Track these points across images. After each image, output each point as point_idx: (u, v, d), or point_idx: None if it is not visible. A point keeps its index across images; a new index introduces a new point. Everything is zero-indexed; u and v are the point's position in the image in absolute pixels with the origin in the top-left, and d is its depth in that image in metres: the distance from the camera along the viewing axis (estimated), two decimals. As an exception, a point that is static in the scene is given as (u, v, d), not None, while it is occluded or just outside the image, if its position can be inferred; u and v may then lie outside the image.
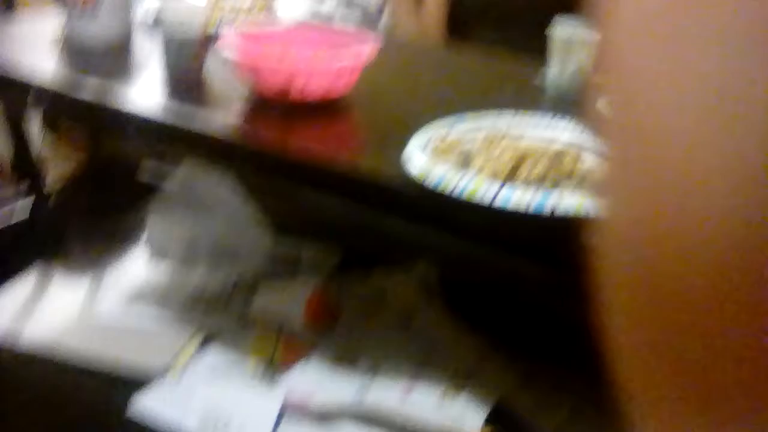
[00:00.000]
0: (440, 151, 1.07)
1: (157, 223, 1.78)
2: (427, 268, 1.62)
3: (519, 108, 1.26)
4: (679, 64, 0.26)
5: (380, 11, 2.42)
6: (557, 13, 1.51)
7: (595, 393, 1.38)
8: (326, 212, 1.57)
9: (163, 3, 1.45)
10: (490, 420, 1.33)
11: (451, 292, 1.59)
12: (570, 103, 1.42)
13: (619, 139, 0.29)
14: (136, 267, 1.76)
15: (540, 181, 1.01)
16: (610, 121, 0.29)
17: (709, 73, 0.26)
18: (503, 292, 1.55)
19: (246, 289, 1.64)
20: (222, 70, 1.38)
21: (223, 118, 1.25)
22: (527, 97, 1.47)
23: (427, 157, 1.05)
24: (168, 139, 1.37)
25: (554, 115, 1.22)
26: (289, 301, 1.56)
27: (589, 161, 1.07)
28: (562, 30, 1.43)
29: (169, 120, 1.26)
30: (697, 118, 0.26)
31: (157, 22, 1.36)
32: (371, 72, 1.34)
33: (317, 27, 1.55)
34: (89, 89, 1.34)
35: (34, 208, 1.87)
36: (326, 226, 1.72)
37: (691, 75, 0.26)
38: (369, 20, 2.41)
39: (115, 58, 1.52)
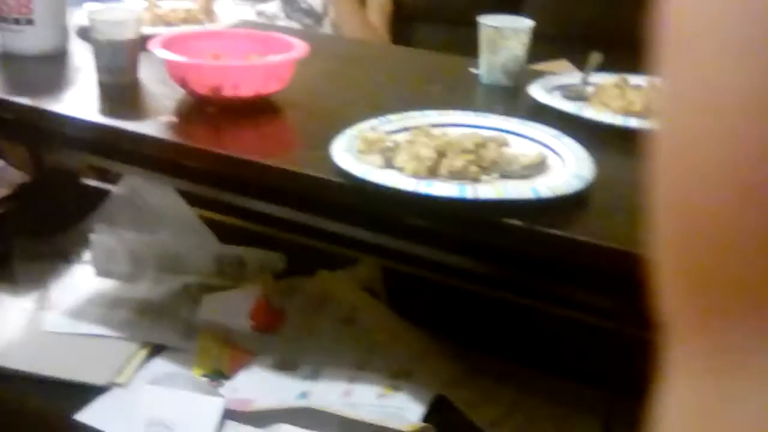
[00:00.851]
0: (366, 148, 1.07)
1: (101, 236, 1.77)
2: (369, 268, 1.63)
3: (452, 102, 1.27)
4: None
5: (325, 11, 2.42)
6: (498, 10, 1.53)
7: (533, 386, 1.40)
8: (269, 217, 1.56)
9: (97, 8, 1.45)
10: (429, 414, 1.34)
11: (393, 290, 1.59)
12: (501, 94, 1.44)
13: (668, 60, 0.31)
14: (82, 280, 1.75)
15: (461, 172, 1.01)
16: (663, 45, 0.32)
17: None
18: (444, 287, 1.56)
19: (192, 298, 1.64)
20: (156, 71, 1.38)
21: (158, 118, 1.24)
22: (462, 87, 1.48)
23: (353, 155, 1.05)
24: (106, 144, 1.36)
25: (482, 107, 1.23)
26: (235, 309, 1.56)
27: (513, 150, 1.08)
28: (491, 23, 1.44)
29: (106, 124, 1.25)
30: (723, 40, 0.29)
31: (91, 26, 1.35)
32: (308, 71, 1.35)
33: (251, 28, 1.55)
34: (27, 99, 1.33)
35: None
36: (270, 231, 1.72)
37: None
38: (314, 20, 2.42)
39: (53, 67, 1.51)
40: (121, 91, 1.36)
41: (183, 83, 1.26)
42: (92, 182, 1.98)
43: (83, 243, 1.81)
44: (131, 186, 1.80)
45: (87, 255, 1.80)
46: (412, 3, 2.59)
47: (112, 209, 1.83)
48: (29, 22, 1.48)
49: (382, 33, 2.45)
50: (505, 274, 1.22)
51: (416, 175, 1.00)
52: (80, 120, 1.25)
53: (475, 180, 1.01)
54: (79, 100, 1.32)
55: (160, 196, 1.76)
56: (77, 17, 1.61)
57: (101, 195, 1.88)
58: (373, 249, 1.53)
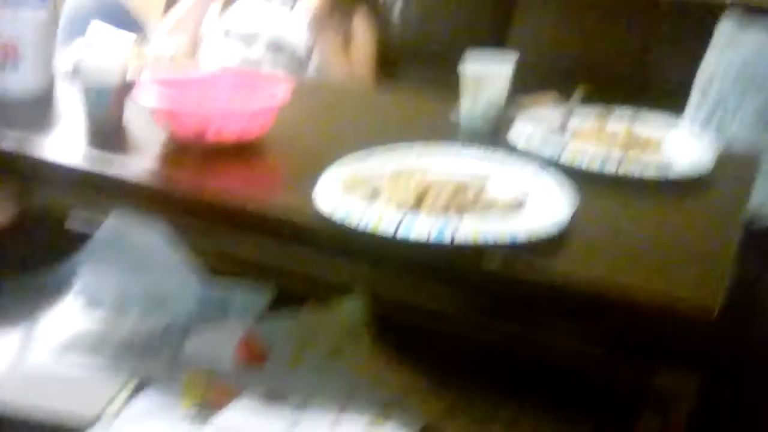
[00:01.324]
0: (349, 187, 1.09)
1: (88, 272, 1.78)
2: (355, 303, 1.64)
3: (433, 144, 1.29)
4: None
5: (309, 54, 2.45)
6: (483, 45, 1.56)
7: (521, 419, 1.41)
8: (255, 253, 1.58)
9: (83, 51, 1.47)
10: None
11: (379, 325, 1.61)
12: (481, 136, 1.47)
13: None
14: (68, 316, 1.75)
15: (443, 211, 1.04)
16: None
17: None
18: (431, 322, 1.57)
19: (177, 333, 1.65)
20: (141, 116, 1.40)
21: (142, 163, 1.26)
22: (442, 132, 1.51)
23: (336, 193, 1.07)
24: (91, 187, 1.38)
25: (463, 148, 1.25)
26: (220, 344, 1.57)
27: (492, 191, 1.10)
28: (472, 66, 1.47)
29: (91, 168, 1.27)
30: None
31: (78, 71, 1.37)
32: (292, 112, 1.37)
33: (234, 72, 1.57)
34: (12, 141, 1.34)
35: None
36: (256, 266, 1.73)
37: None
38: (298, 63, 2.44)
39: (38, 109, 1.53)
40: (106, 133, 1.37)
41: (167, 127, 1.28)
42: (77, 222, 1.99)
43: (69, 280, 1.82)
44: (116, 224, 1.82)
45: (73, 291, 1.81)
46: (396, 43, 2.62)
47: (98, 247, 1.85)
48: (15, 65, 1.50)
49: (366, 74, 2.48)
50: (486, 312, 1.24)
51: (396, 217, 1.03)
52: (66, 162, 1.27)
53: (456, 220, 1.03)
54: (66, 142, 1.34)
55: (145, 234, 1.77)
56: (64, 60, 1.63)
57: (87, 234, 1.89)
58: (357, 286, 1.55)
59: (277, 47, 2.44)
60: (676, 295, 0.92)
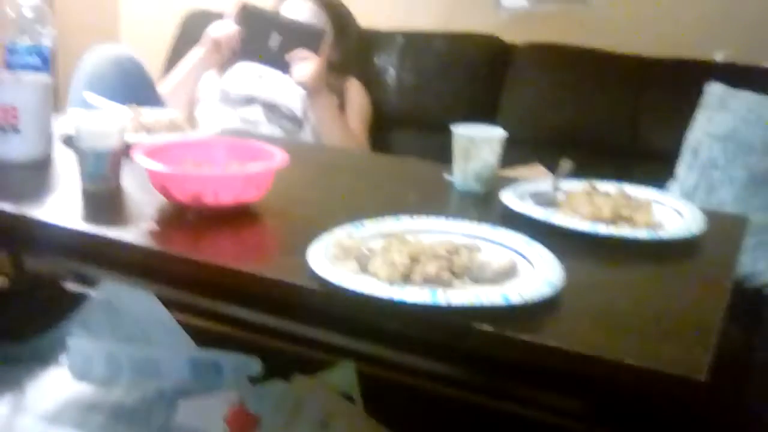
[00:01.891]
0: (341, 255, 1.10)
1: (78, 339, 1.77)
2: (344, 372, 1.64)
3: (427, 209, 1.30)
4: None
5: (305, 116, 2.48)
6: (469, 119, 1.59)
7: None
8: (246, 322, 1.58)
9: (81, 116, 1.48)
10: None
11: (369, 394, 1.60)
12: (474, 200, 1.48)
13: None
14: (58, 384, 1.74)
15: (434, 278, 1.04)
16: None
17: None
18: (419, 391, 1.57)
19: (168, 402, 1.64)
20: (138, 179, 1.41)
21: (138, 226, 1.27)
22: (436, 193, 1.52)
23: (328, 261, 1.08)
24: (86, 251, 1.38)
25: (455, 213, 1.26)
26: (211, 413, 1.56)
27: (485, 255, 1.11)
28: (463, 131, 1.49)
29: (86, 231, 1.27)
30: None
31: (75, 136, 1.38)
32: (287, 177, 1.38)
33: (231, 136, 1.59)
34: (8, 206, 1.35)
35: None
36: (247, 334, 1.73)
37: None
38: (295, 125, 2.47)
39: (36, 173, 1.54)
40: (103, 197, 1.38)
41: (164, 191, 1.29)
42: (71, 286, 1.99)
43: (60, 346, 1.81)
44: (109, 290, 1.82)
45: (64, 359, 1.80)
46: (390, 110, 2.66)
47: (90, 313, 1.84)
48: (15, 130, 1.52)
49: (362, 139, 2.52)
50: (477, 378, 1.23)
51: (390, 281, 1.03)
52: (62, 227, 1.27)
53: (448, 285, 1.04)
54: (62, 207, 1.35)
55: (138, 300, 1.77)
56: (62, 125, 1.65)
57: (79, 299, 1.89)
58: (349, 354, 1.54)
59: (273, 108, 2.47)
60: (665, 361, 0.92)
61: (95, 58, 2.14)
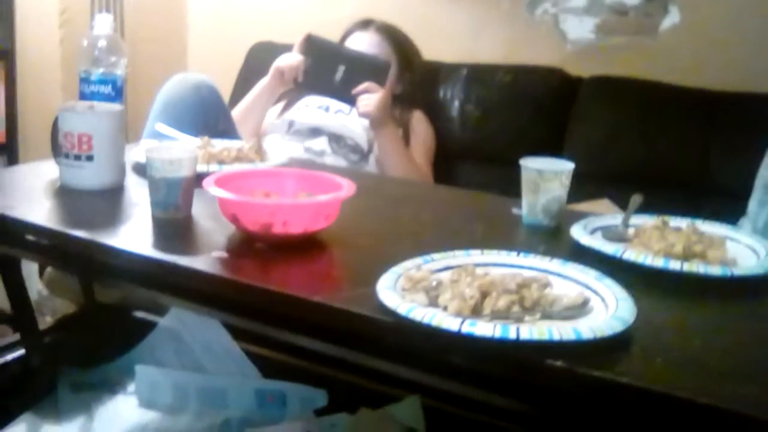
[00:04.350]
0: (410, 287, 1.10)
1: (146, 367, 1.79)
2: (411, 406, 1.62)
3: (495, 242, 1.30)
4: None
5: (370, 148, 2.50)
6: (534, 152, 1.58)
7: None
8: (312, 352, 1.58)
9: (154, 146, 1.51)
10: None
11: (435, 428, 1.58)
12: (542, 234, 1.47)
13: None
14: (125, 411, 1.76)
15: (504, 312, 1.03)
16: None
17: None
18: (486, 427, 1.55)
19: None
20: (208, 208, 1.43)
21: (207, 255, 1.28)
22: (503, 232, 1.51)
23: (397, 293, 1.07)
24: (154, 279, 1.40)
25: (524, 247, 1.25)
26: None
27: (555, 290, 1.10)
28: (532, 164, 1.48)
29: (156, 260, 1.29)
30: None
31: (148, 165, 1.41)
32: (354, 208, 1.39)
33: (300, 167, 1.60)
34: (80, 234, 1.37)
35: (27, 357, 1.88)
36: (314, 365, 1.73)
37: None
38: (359, 156, 2.49)
39: (108, 201, 1.57)
40: (174, 226, 1.40)
41: (234, 220, 1.31)
42: (139, 314, 2.02)
43: (128, 374, 1.83)
44: (177, 318, 1.84)
45: (131, 386, 1.82)
46: (454, 142, 2.66)
47: (158, 341, 1.87)
48: (89, 158, 1.55)
49: (426, 171, 2.52)
50: (547, 414, 1.21)
51: (459, 314, 1.02)
52: (133, 254, 1.29)
53: (518, 320, 1.03)
54: (133, 234, 1.37)
55: (205, 328, 1.79)
56: (134, 154, 1.68)
57: (148, 326, 1.91)
58: (415, 387, 1.53)
59: (339, 140, 2.49)
60: (742, 401, 0.89)
61: (175, 85, 2.19)
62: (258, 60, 2.92)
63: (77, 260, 1.47)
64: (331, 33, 2.62)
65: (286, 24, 3.18)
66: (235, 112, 2.48)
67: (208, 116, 2.14)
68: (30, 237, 1.46)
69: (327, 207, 1.33)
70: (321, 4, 3.19)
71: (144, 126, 2.17)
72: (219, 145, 1.76)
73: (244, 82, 2.89)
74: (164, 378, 1.77)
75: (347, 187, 1.35)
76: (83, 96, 1.71)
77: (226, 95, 2.89)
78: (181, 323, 1.82)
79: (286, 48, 2.57)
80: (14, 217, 1.43)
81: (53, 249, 1.46)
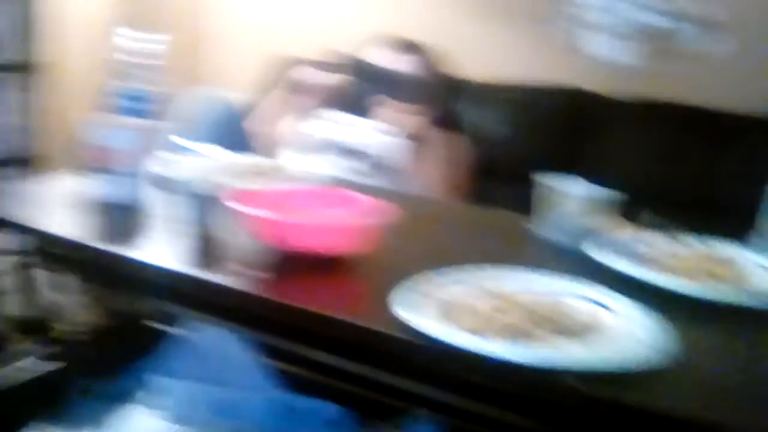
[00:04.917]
0: (423, 302, 1.10)
1: (159, 378, 1.80)
2: (425, 422, 1.62)
3: (509, 258, 1.30)
4: None
5: (406, 167, 2.48)
6: (551, 170, 1.59)
7: None
8: (327, 367, 1.58)
9: (175, 159, 1.52)
10: None
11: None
12: (557, 251, 1.47)
13: None
14: (137, 422, 1.77)
15: (517, 329, 1.04)
16: None
17: None
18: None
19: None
20: (229, 224, 1.43)
21: (227, 270, 1.29)
22: (518, 248, 1.52)
23: (411, 308, 1.08)
24: (174, 293, 1.41)
25: (539, 264, 1.26)
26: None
27: (569, 308, 1.10)
28: (548, 182, 1.49)
29: (179, 273, 1.30)
30: None
31: (170, 179, 1.42)
32: (391, 226, 1.38)
33: (326, 186, 1.60)
34: (104, 246, 1.39)
35: (39, 365, 1.89)
36: (327, 381, 1.73)
37: None
38: (396, 176, 2.47)
39: (130, 214, 1.57)
40: (195, 239, 1.41)
41: (258, 235, 1.30)
42: (151, 323, 2.02)
43: (142, 384, 1.84)
44: (191, 329, 1.84)
45: (144, 397, 1.82)
46: (481, 159, 2.65)
47: (172, 351, 1.87)
48: (114, 171, 1.56)
49: (462, 190, 2.50)
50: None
51: (473, 331, 1.03)
52: (157, 267, 1.31)
53: (531, 337, 1.03)
54: (157, 248, 1.38)
55: (220, 340, 1.79)
56: (157, 167, 1.69)
57: (160, 336, 1.92)
58: (430, 403, 1.53)
59: (371, 158, 2.48)
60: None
61: (192, 101, 2.20)
62: (277, 73, 2.92)
63: (96, 271, 1.49)
64: (354, 48, 2.61)
65: (307, 38, 3.18)
66: (252, 124, 2.48)
67: (227, 134, 2.15)
68: (53, 248, 1.48)
69: (363, 229, 1.32)
70: (341, 18, 3.19)
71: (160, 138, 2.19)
72: (239, 159, 1.76)
73: (260, 96, 2.90)
74: (177, 388, 1.77)
75: (384, 210, 1.34)
76: (112, 110, 1.72)
77: (240, 107, 2.91)
78: (195, 334, 1.82)
79: (306, 62, 2.57)
80: (37, 228, 1.44)
81: (75, 260, 1.48)
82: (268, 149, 2.44)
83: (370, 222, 1.34)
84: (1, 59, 2.97)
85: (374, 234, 1.33)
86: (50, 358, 1.91)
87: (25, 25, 3.00)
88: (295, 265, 1.30)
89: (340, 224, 1.34)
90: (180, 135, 2.04)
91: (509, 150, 2.65)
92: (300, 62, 2.62)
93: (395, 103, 2.42)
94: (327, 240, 1.31)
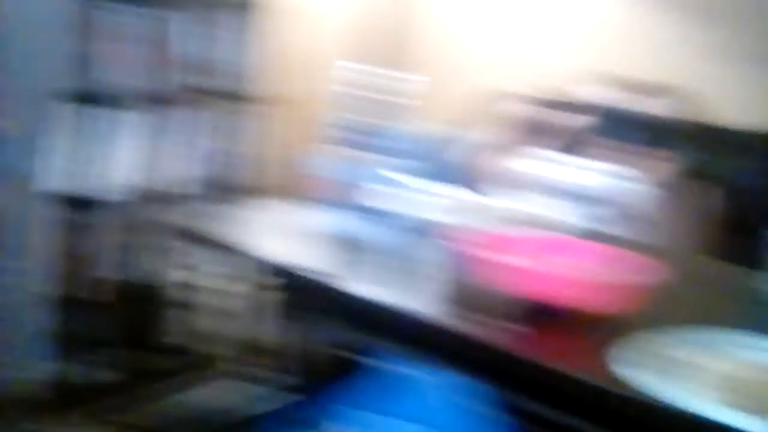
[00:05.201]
0: (655, 365, 1.06)
1: (348, 410, 1.78)
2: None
3: (744, 321, 1.24)
4: None
5: (656, 218, 2.39)
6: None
7: None
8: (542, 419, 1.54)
9: (394, 192, 1.51)
10: None
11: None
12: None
13: None
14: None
15: (760, 401, 0.98)
16: None
17: None
18: None
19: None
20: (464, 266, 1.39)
21: (472, 320, 1.28)
22: (752, 310, 1.43)
23: (646, 371, 1.05)
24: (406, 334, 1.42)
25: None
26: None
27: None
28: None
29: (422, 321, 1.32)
30: None
31: (390, 212, 1.41)
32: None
33: (583, 237, 1.56)
34: (361, 288, 1.40)
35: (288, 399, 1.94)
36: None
37: None
38: (644, 227, 2.38)
39: (358, 251, 1.57)
40: (435, 283, 1.39)
41: (516, 287, 1.25)
42: (344, 353, 2.00)
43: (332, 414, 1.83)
44: (389, 363, 1.82)
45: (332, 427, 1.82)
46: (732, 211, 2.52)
47: (368, 384, 1.86)
48: (336, 204, 1.59)
49: (706, 242, 2.39)
50: None
51: (706, 395, 0.99)
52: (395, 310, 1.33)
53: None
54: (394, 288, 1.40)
55: (427, 379, 1.76)
56: (376, 201, 1.69)
57: (354, 367, 1.90)
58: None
59: (617, 206, 2.40)
60: None
61: (404, 135, 2.22)
62: (485, 106, 2.89)
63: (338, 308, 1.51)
64: (567, 84, 2.56)
65: (513, 71, 3.13)
66: (461, 158, 2.46)
67: (445, 170, 2.13)
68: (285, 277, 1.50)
69: (628, 288, 1.23)
70: (555, 53, 3.12)
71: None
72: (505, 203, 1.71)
73: (468, 129, 2.87)
74: (369, 422, 1.76)
75: (649, 270, 1.26)
76: (337, 142, 1.75)
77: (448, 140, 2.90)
78: (396, 368, 1.81)
79: (518, 96, 2.52)
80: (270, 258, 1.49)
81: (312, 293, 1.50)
82: (478, 185, 2.41)
83: (643, 281, 1.24)
84: (239, 91, 3.07)
85: (641, 294, 1.25)
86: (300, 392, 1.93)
87: (259, 58, 3.10)
88: (536, 317, 1.26)
89: (616, 282, 1.25)
90: (395, 169, 2.06)
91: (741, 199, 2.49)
92: (510, 96, 2.58)
93: (644, 148, 2.34)
94: (595, 297, 1.23)
